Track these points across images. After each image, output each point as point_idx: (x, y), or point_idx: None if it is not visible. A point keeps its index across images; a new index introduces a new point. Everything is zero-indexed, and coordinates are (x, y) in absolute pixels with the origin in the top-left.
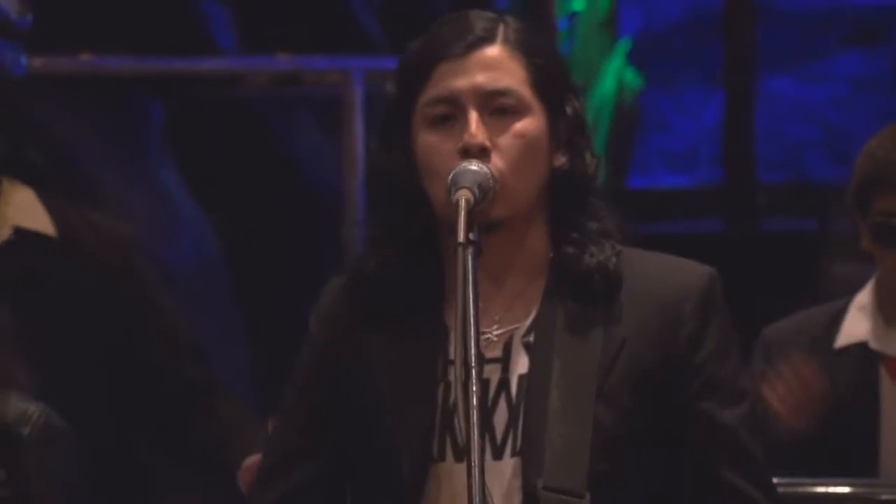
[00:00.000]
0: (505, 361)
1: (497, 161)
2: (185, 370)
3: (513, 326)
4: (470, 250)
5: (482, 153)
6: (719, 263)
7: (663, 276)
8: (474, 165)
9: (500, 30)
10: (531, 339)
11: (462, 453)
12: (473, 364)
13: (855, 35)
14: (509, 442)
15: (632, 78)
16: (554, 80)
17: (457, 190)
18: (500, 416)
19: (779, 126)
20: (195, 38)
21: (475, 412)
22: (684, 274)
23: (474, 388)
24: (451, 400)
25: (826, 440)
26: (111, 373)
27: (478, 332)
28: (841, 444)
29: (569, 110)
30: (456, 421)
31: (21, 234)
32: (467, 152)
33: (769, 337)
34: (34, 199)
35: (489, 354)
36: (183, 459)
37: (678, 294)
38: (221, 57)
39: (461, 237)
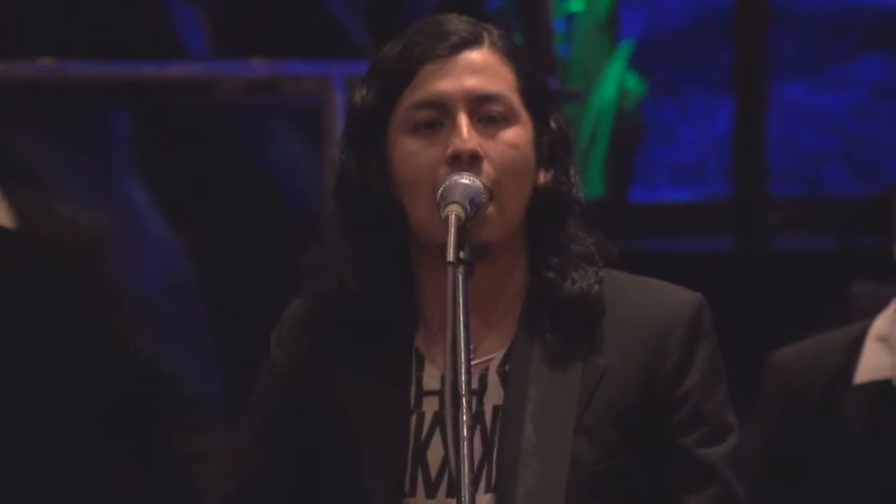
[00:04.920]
0: (480, 393)
1: (489, 171)
2: (146, 389)
3: (489, 357)
4: (461, 270)
5: (473, 161)
6: (729, 284)
7: (648, 303)
8: (466, 178)
9: (485, 34)
10: (507, 369)
11: (433, 488)
12: (464, 391)
13: (875, 38)
14: (483, 477)
15: (634, 84)
16: (541, 91)
17: (447, 205)
18: (475, 450)
19: (793, 136)
20: (164, 43)
21: (465, 443)
22: (671, 301)
23: (465, 419)
24: (425, 432)
25: (842, 477)
26: (64, 377)
27: (468, 359)
28: (857, 481)
29: (553, 124)
30: (429, 453)
31: None
32: (457, 159)
33: (783, 365)
34: None
35: None
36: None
37: (664, 323)
38: (192, 62)
39: (451, 256)
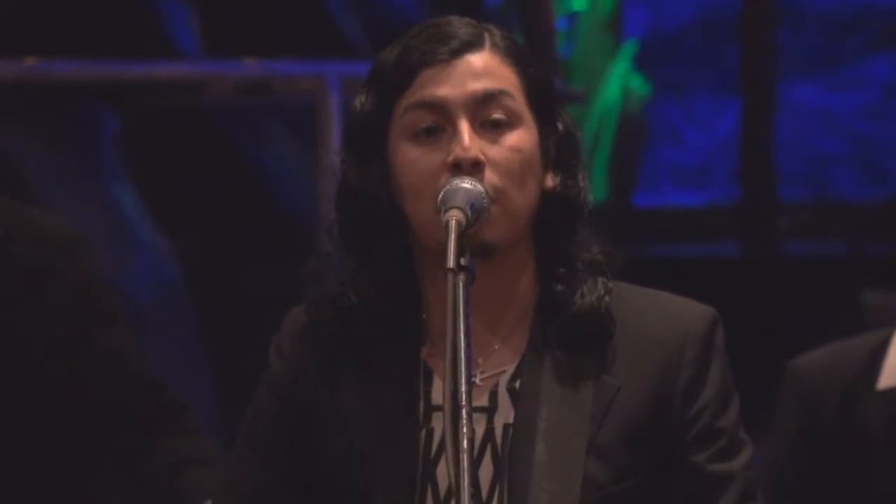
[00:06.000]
0: (491, 411)
1: (491, 177)
2: (132, 407)
3: (498, 371)
4: (461, 277)
5: (475, 168)
6: (736, 290)
7: (660, 318)
8: (467, 183)
9: (487, 36)
10: (517, 385)
11: None
12: (464, 402)
13: (887, 37)
14: (495, 497)
15: (638, 85)
16: (546, 91)
17: (447, 210)
18: (486, 470)
19: (802, 138)
20: (153, 41)
21: (466, 457)
22: (684, 316)
23: (465, 430)
24: (434, 449)
25: (864, 483)
26: (29, 379)
27: (469, 370)
28: (880, 486)
29: (560, 126)
30: (438, 471)
31: None
32: (459, 167)
33: (802, 373)
34: None
35: (474, 402)
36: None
37: (676, 339)
38: (183, 62)
39: (451, 262)
